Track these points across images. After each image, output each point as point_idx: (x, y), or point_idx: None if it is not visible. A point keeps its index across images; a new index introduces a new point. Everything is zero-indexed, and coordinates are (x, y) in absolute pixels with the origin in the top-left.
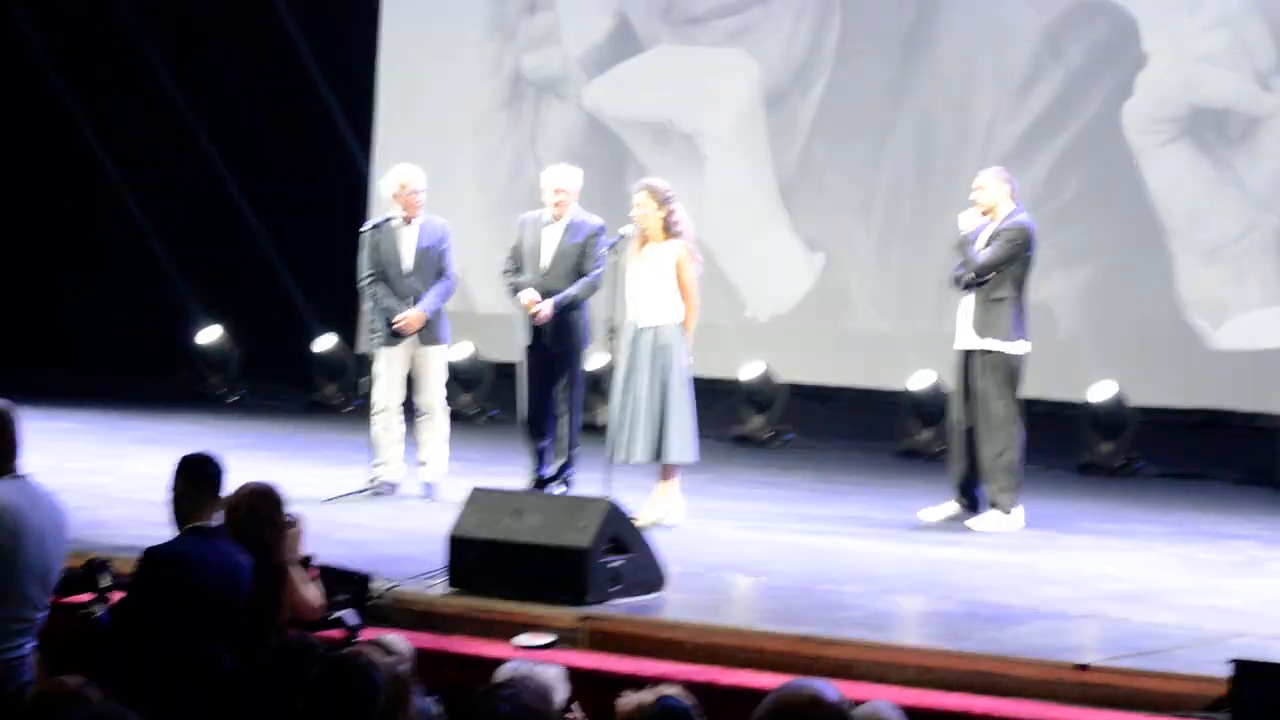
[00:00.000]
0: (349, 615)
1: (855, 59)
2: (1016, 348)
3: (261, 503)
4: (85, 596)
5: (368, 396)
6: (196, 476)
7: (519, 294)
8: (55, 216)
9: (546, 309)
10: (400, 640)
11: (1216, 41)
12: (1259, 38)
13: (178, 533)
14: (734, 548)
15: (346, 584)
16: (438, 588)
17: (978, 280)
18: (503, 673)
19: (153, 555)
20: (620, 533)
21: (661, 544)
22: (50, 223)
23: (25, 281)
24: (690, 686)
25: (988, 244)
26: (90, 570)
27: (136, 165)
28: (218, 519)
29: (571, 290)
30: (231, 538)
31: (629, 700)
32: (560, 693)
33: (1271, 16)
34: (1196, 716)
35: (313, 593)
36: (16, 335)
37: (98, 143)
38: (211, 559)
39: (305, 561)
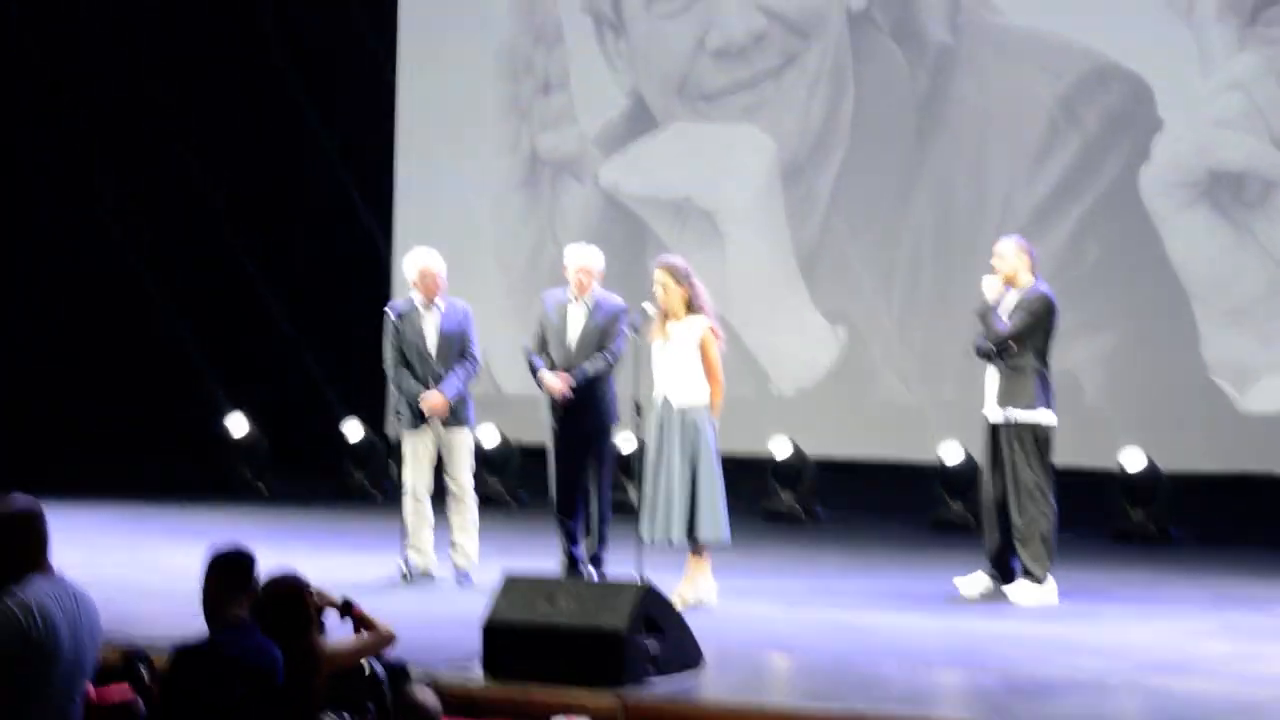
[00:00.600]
0: (379, 667)
1: (870, 131)
2: (1044, 417)
3: (286, 595)
4: (123, 687)
5: (397, 481)
6: (226, 570)
7: (538, 373)
8: (79, 305)
9: (568, 390)
10: (430, 693)
11: (1231, 105)
12: (1272, 100)
13: (209, 627)
14: (769, 626)
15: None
16: (473, 674)
17: (1000, 351)
18: None
19: (186, 651)
20: (655, 614)
21: (697, 624)
22: (76, 311)
23: (52, 373)
24: None
25: (1009, 315)
26: (128, 662)
27: (159, 255)
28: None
29: (588, 366)
30: (263, 631)
31: None
32: None
33: None
34: None
35: (346, 643)
36: (44, 427)
37: (123, 235)
38: (245, 654)
39: (345, 607)
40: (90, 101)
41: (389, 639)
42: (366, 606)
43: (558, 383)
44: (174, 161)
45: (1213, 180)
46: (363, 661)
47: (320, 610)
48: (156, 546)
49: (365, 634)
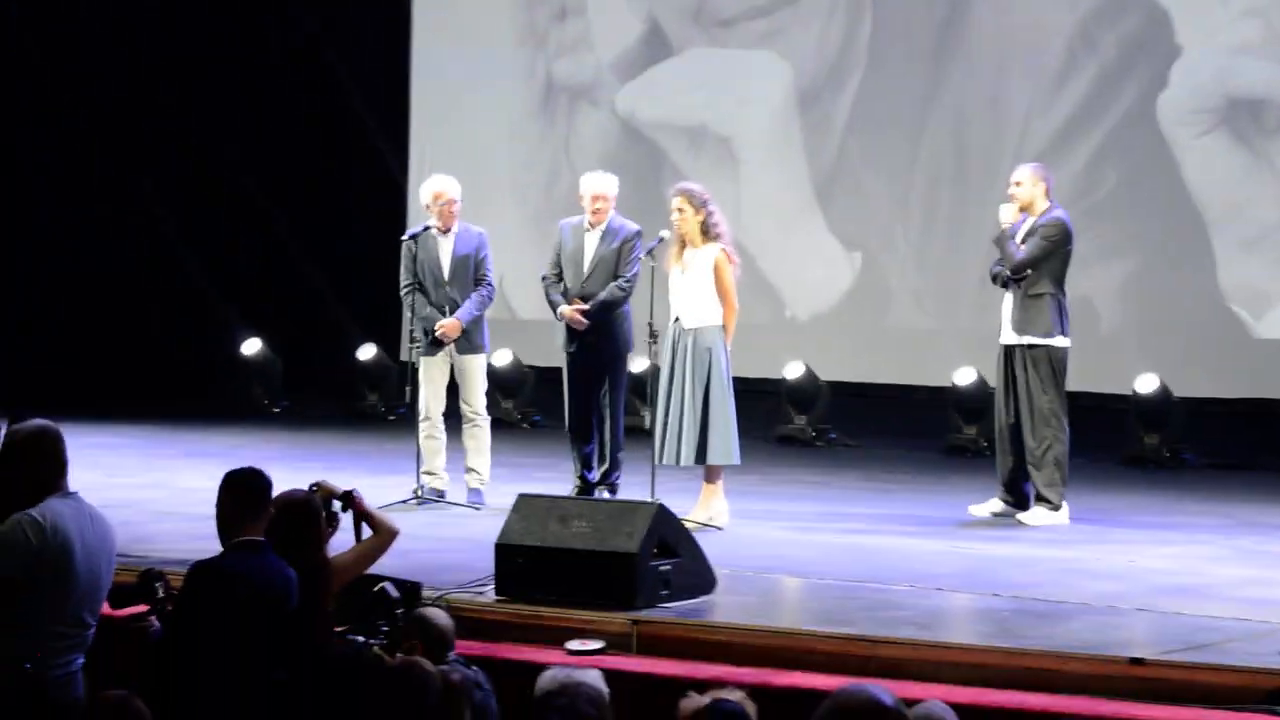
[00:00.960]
0: (390, 588)
1: (887, 57)
2: (1058, 342)
3: (296, 515)
4: (140, 608)
5: (411, 405)
6: (241, 492)
7: (558, 309)
8: (92, 233)
9: (584, 319)
10: (441, 613)
11: (1250, 31)
12: None
13: (223, 547)
14: (781, 549)
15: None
16: (487, 595)
17: (1015, 277)
18: (546, 679)
19: (199, 570)
20: (668, 537)
21: (708, 547)
22: (90, 240)
23: (69, 299)
24: (742, 689)
25: (1025, 240)
26: (146, 581)
27: (174, 183)
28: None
29: (603, 295)
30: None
31: (688, 704)
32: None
33: None
34: (1252, 710)
35: (350, 554)
36: (60, 350)
37: (136, 161)
38: (257, 574)
39: (347, 496)
40: (90, 100)
41: (392, 535)
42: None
43: (573, 313)
44: (184, 97)
45: (1230, 107)
46: (377, 584)
47: (328, 501)
48: (172, 468)
49: (369, 536)
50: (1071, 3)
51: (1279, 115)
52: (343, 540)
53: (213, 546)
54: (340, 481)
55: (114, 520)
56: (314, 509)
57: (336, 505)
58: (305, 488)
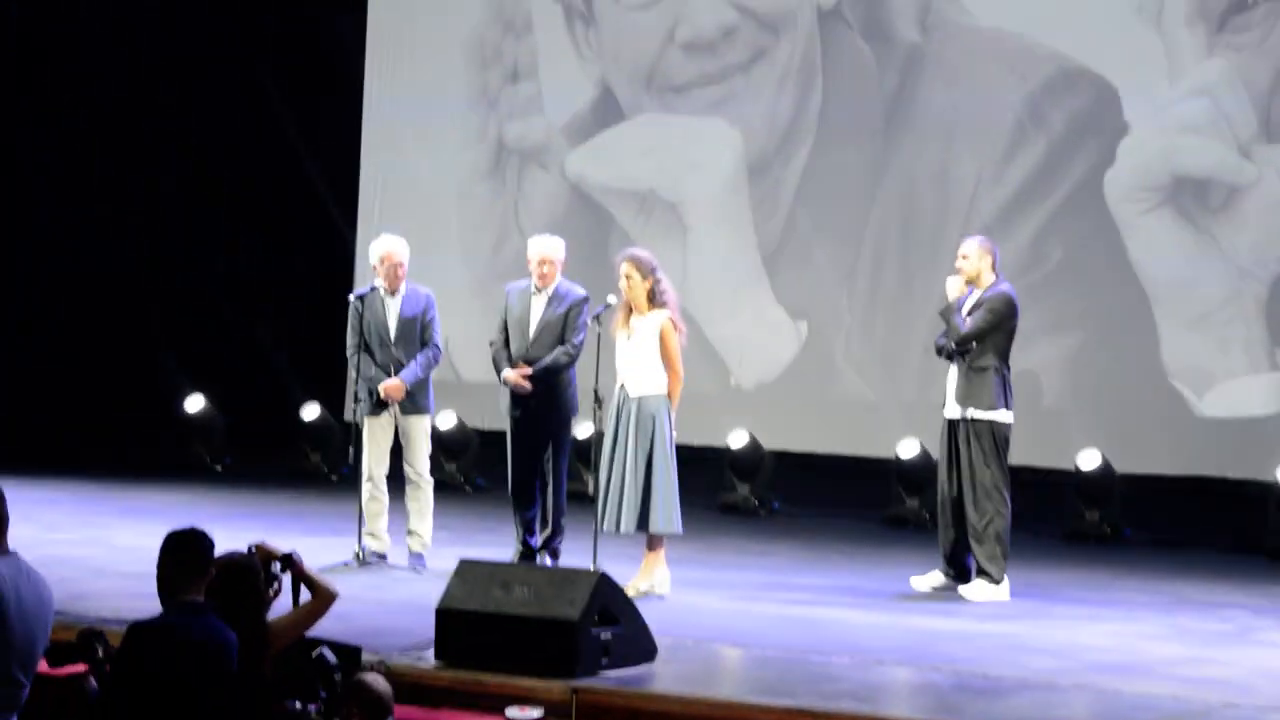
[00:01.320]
0: (328, 653)
1: (838, 127)
2: (1001, 417)
3: (237, 577)
4: (79, 667)
5: (355, 466)
6: (182, 552)
7: (501, 374)
8: (36, 280)
9: (527, 383)
10: (379, 679)
11: (1197, 110)
12: (1239, 107)
13: (164, 607)
14: (723, 619)
15: (337, 656)
16: (427, 660)
17: (960, 350)
18: None
19: (138, 630)
20: (610, 604)
21: (650, 615)
22: (34, 288)
23: (9, 348)
24: None
25: (970, 313)
26: (86, 640)
27: (121, 233)
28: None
29: (548, 360)
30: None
31: None
32: None
33: (1253, 86)
34: None
35: (289, 617)
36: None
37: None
38: (197, 635)
39: (286, 559)
40: (91, 101)
41: (331, 598)
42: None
43: (518, 377)
44: (137, 147)
45: (1177, 185)
46: (315, 649)
47: (267, 562)
48: (110, 524)
49: (307, 598)
50: (1021, 78)
51: (1225, 194)
52: (282, 603)
53: (152, 606)
54: (281, 542)
55: (51, 577)
56: (254, 571)
57: (276, 567)
58: (244, 548)
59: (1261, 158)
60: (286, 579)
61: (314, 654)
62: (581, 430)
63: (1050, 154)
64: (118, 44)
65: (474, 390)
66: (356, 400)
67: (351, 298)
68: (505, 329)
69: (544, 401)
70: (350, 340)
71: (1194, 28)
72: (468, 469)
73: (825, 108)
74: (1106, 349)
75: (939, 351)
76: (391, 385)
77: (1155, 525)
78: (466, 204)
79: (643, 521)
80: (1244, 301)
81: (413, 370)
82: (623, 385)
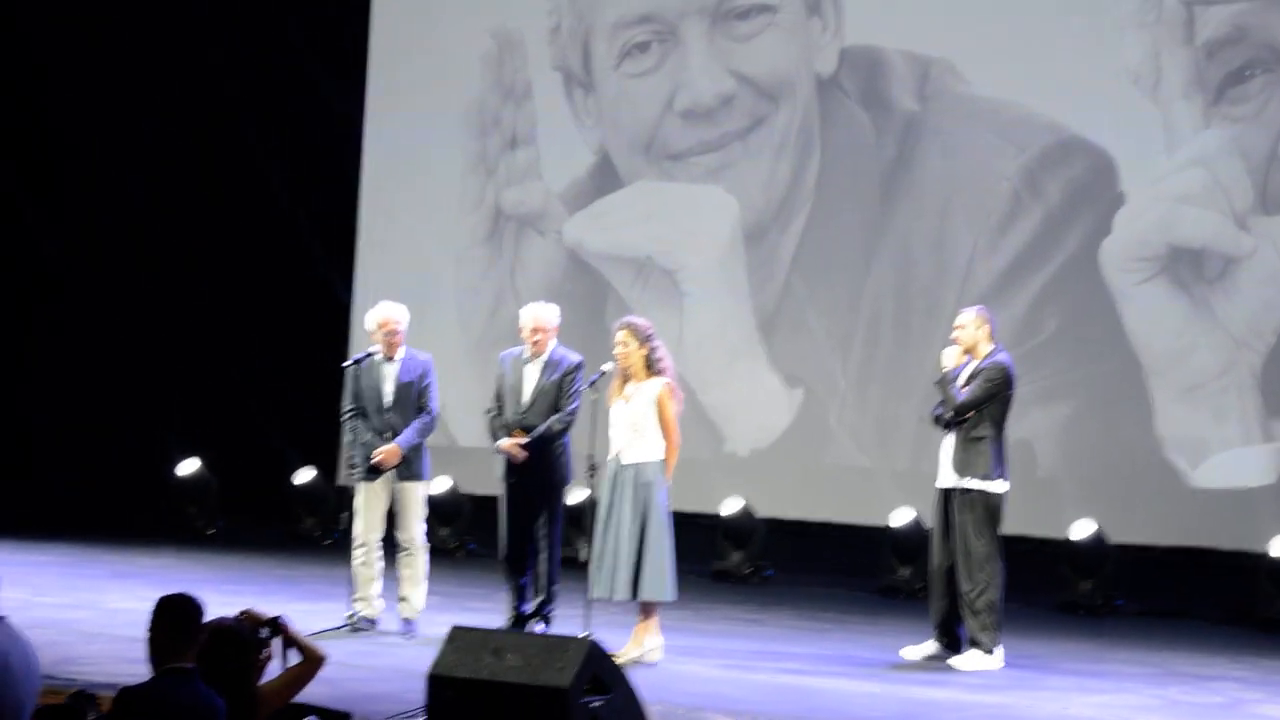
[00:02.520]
0: None
1: (835, 196)
2: (996, 486)
3: (226, 644)
4: None
5: (347, 531)
6: (173, 617)
7: (496, 442)
8: (30, 345)
9: (522, 451)
10: None
11: (1194, 181)
12: (1236, 178)
13: (153, 673)
14: (715, 687)
15: None
16: None
17: (957, 419)
18: None
19: (127, 696)
20: (601, 672)
21: (642, 683)
22: (27, 352)
23: (2, 410)
24: None
25: (967, 383)
26: (77, 703)
27: (117, 296)
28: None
29: (543, 428)
30: (205, 678)
31: None
32: None
33: (1250, 157)
34: None
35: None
36: None
37: (78, 272)
38: (186, 701)
39: (273, 622)
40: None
41: (319, 662)
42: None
43: (512, 445)
44: (131, 212)
45: (1173, 255)
46: (304, 716)
47: (254, 630)
48: (100, 588)
49: (295, 662)
50: (1018, 148)
51: (1220, 265)
52: (272, 669)
53: (142, 671)
54: (271, 607)
55: (41, 640)
56: (243, 637)
57: (264, 632)
58: (232, 615)
59: (1258, 229)
60: (276, 643)
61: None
62: (575, 497)
63: (1046, 223)
64: (113, 113)
65: (469, 455)
66: (351, 465)
67: (348, 364)
68: (499, 397)
69: (538, 468)
70: (345, 405)
71: (1191, 99)
72: (461, 534)
73: (823, 176)
74: (1101, 418)
75: (936, 421)
76: (387, 451)
77: (1148, 595)
78: (463, 269)
79: (636, 588)
80: (1239, 372)
81: (408, 436)
82: (618, 452)
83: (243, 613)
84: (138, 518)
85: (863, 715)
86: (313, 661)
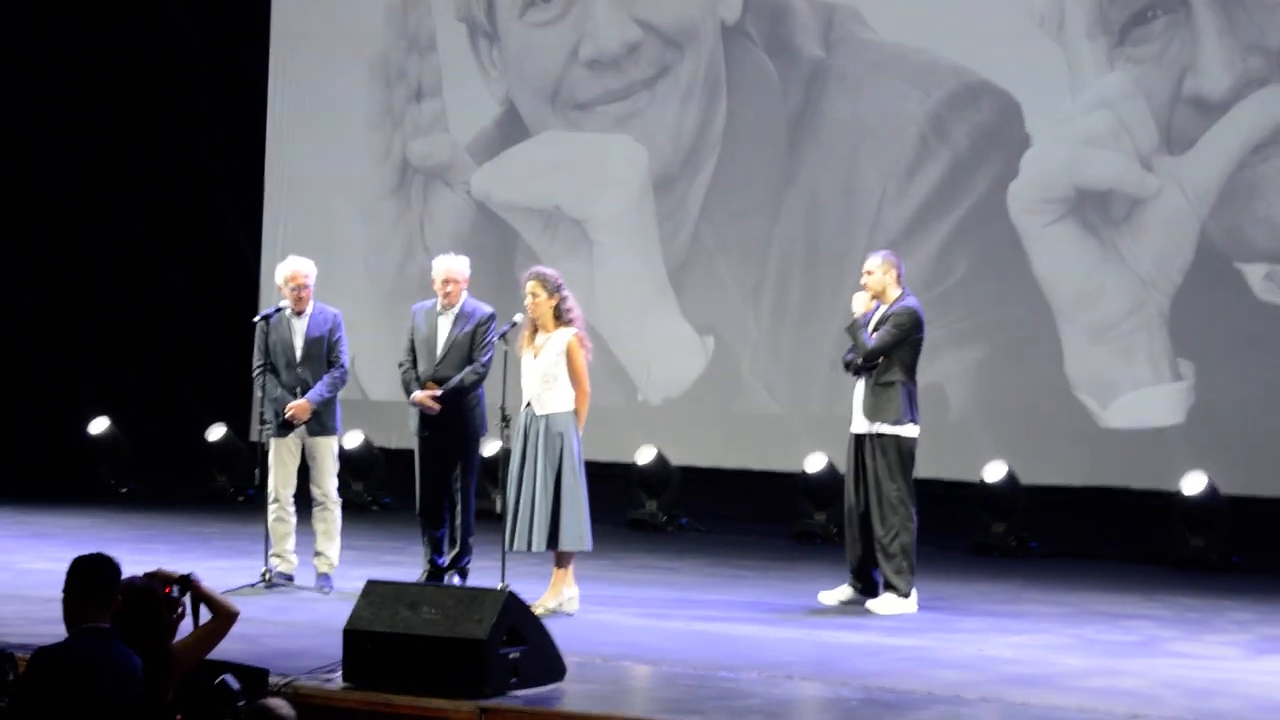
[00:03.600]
0: (231, 680)
1: (742, 144)
2: (908, 431)
3: (141, 603)
4: None
5: (261, 487)
6: (88, 577)
7: (410, 395)
8: None
9: (436, 404)
10: (284, 705)
11: (1099, 123)
12: (1141, 119)
13: (69, 633)
14: (631, 635)
15: (244, 679)
16: (334, 682)
17: (867, 365)
18: None
19: (43, 656)
20: (518, 623)
21: (558, 633)
22: None
23: None
24: None
25: (876, 329)
26: None
27: (25, 256)
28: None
29: (456, 380)
30: (123, 637)
31: None
32: None
33: (1153, 98)
34: None
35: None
36: None
37: None
38: (103, 661)
39: (185, 580)
40: None
41: (232, 618)
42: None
43: (426, 397)
44: (36, 166)
45: (1079, 197)
46: (218, 674)
47: (166, 589)
48: (16, 549)
49: (208, 619)
50: (924, 93)
51: (1127, 206)
52: (185, 626)
53: (57, 631)
54: (185, 565)
55: None
56: (155, 596)
57: (175, 590)
58: (142, 575)
59: (1163, 170)
60: (187, 601)
61: (217, 681)
62: (489, 449)
63: (954, 167)
64: (22, 64)
65: (381, 409)
66: (263, 422)
67: (257, 319)
68: (413, 349)
69: (452, 421)
70: (256, 361)
71: (1095, 40)
72: (374, 488)
73: (730, 124)
74: (1011, 361)
75: (846, 367)
76: (298, 406)
77: (1061, 537)
78: (371, 223)
79: (553, 539)
80: (1147, 313)
81: (319, 391)
82: (529, 403)
83: (152, 572)
84: (50, 478)
85: (780, 660)
86: (225, 617)
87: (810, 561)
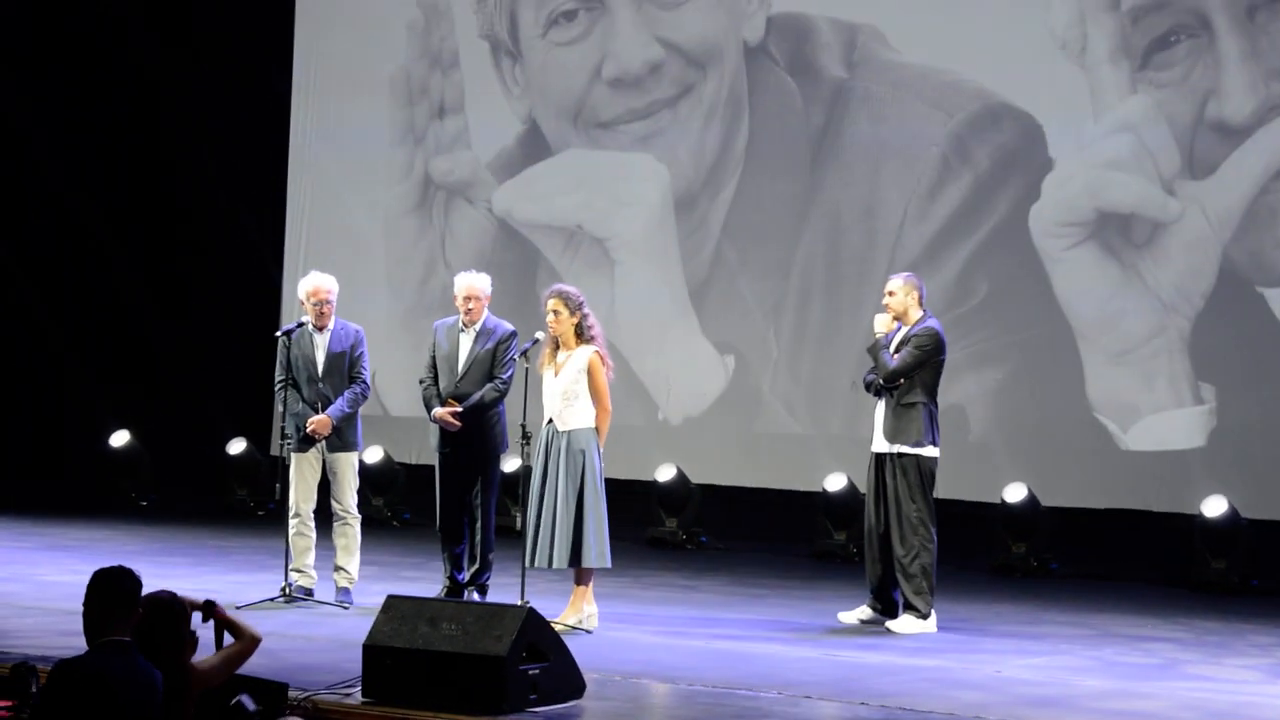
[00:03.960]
0: (247, 700)
1: (764, 164)
2: (929, 451)
3: (160, 617)
4: (5, 703)
5: (281, 502)
6: (109, 590)
7: (431, 412)
8: None
9: (457, 420)
10: None
11: (1121, 146)
12: (1163, 143)
13: (89, 646)
14: (650, 654)
15: (263, 694)
16: (354, 697)
17: (889, 386)
18: None
19: (64, 669)
20: (538, 640)
21: (578, 651)
22: None
23: None
24: None
25: (898, 350)
26: (20, 675)
27: (49, 269)
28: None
29: (477, 397)
30: (142, 650)
31: None
32: None
33: (1176, 122)
34: None
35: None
36: None
37: (9, 245)
38: (123, 674)
39: (207, 606)
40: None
41: (255, 642)
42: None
43: (446, 414)
44: (59, 185)
45: (1101, 221)
46: (235, 695)
47: (187, 616)
48: (37, 561)
49: (230, 641)
50: (947, 114)
51: (1148, 229)
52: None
53: (77, 644)
54: (206, 581)
55: None
56: (179, 611)
57: (198, 616)
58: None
59: (1185, 193)
60: (207, 629)
61: (233, 702)
62: (510, 465)
63: (976, 189)
64: (42, 77)
65: (401, 425)
66: (284, 436)
67: (279, 334)
68: (434, 366)
69: (473, 437)
70: (278, 376)
71: (1117, 64)
72: (395, 503)
73: (752, 143)
74: (1032, 383)
75: (868, 388)
76: (318, 421)
77: (1081, 558)
78: (393, 239)
79: (574, 557)
80: (1168, 336)
81: (339, 406)
82: (550, 420)
83: (188, 614)
84: (70, 491)
85: (798, 680)
86: (248, 642)
87: (830, 581)
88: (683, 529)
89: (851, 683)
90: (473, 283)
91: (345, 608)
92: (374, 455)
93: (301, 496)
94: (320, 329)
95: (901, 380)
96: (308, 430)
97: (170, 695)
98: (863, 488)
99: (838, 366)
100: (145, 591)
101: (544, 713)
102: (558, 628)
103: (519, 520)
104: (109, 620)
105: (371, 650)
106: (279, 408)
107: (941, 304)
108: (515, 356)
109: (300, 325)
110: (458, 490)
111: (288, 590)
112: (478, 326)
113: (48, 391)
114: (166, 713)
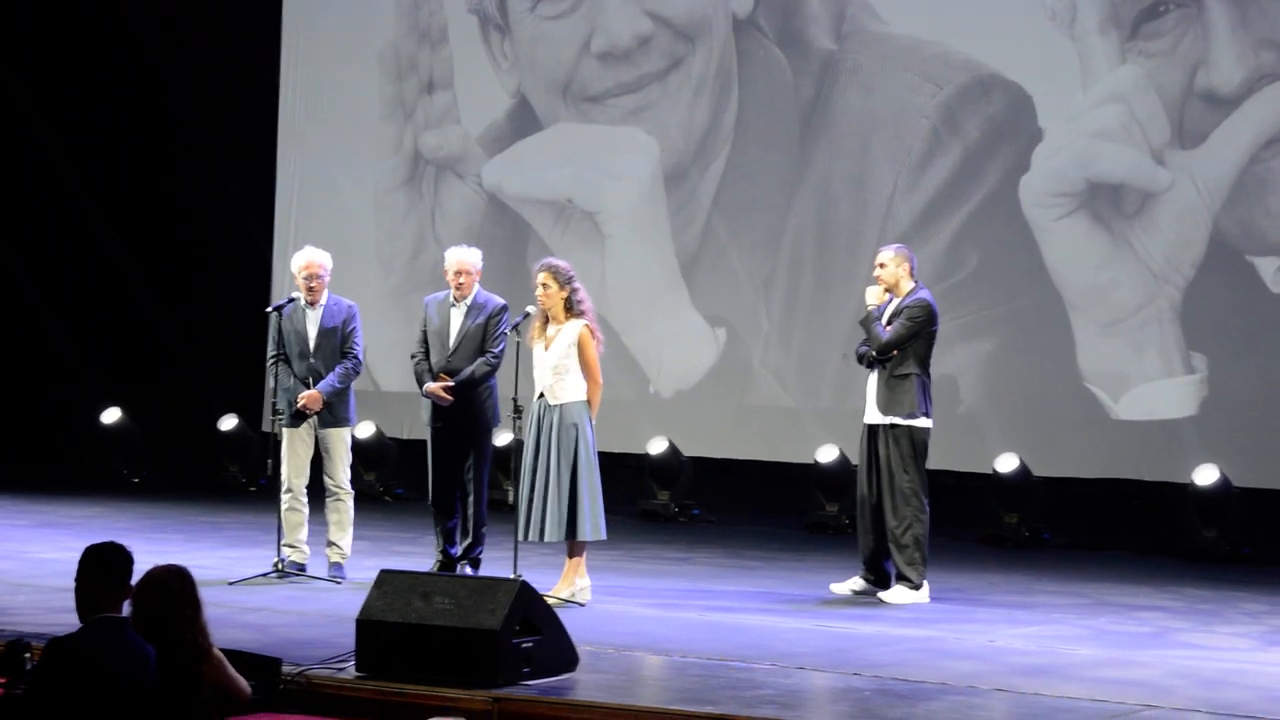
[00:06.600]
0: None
1: (754, 136)
2: (921, 423)
3: (154, 593)
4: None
5: (273, 477)
6: (102, 567)
7: (423, 387)
8: None
9: (448, 395)
10: None
11: (1111, 117)
12: (1152, 113)
13: (81, 624)
14: (644, 626)
15: (256, 668)
16: (347, 672)
17: (881, 358)
18: None
19: (56, 647)
20: (531, 614)
21: (571, 624)
22: None
23: None
24: None
25: (890, 322)
26: (14, 652)
27: (39, 245)
28: (125, 609)
29: (469, 370)
30: (137, 626)
31: None
32: None
33: (1165, 92)
34: None
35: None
36: None
37: None
38: (116, 651)
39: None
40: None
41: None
42: (243, 604)
43: (438, 388)
44: (48, 160)
45: (1091, 191)
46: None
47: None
48: (29, 538)
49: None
50: (936, 86)
51: (1138, 199)
52: None
53: (69, 620)
54: (199, 558)
55: None
56: (173, 587)
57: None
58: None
59: (1175, 163)
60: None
61: None
62: (501, 439)
63: (966, 160)
64: (32, 58)
65: (393, 400)
66: (275, 412)
67: (270, 309)
68: (425, 341)
69: (464, 412)
70: (270, 351)
71: (1106, 34)
72: (387, 478)
73: (741, 116)
74: (1023, 354)
75: (860, 359)
76: (309, 396)
77: (1073, 528)
78: (383, 214)
79: (570, 529)
80: (1159, 306)
81: (330, 382)
82: (541, 394)
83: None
84: (62, 467)
85: (791, 651)
86: (243, 693)
87: (822, 552)
88: (675, 502)
89: (844, 654)
90: (463, 257)
91: (338, 583)
92: (366, 430)
93: (294, 472)
94: (313, 304)
95: (894, 352)
96: (298, 405)
97: (178, 672)
98: (854, 459)
99: (829, 338)
100: (149, 568)
101: (537, 685)
102: (550, 601)
103: (511, 494)
104: (101, 596)
105: (365, 625)
106: (270, 383)
107: (932, 275)
108: (506, 331)
109: (292, 300)
110: (450, 465)
111: (280, 565)
112: (469, 301)
113: (39, 368)
114: (179, 687)
